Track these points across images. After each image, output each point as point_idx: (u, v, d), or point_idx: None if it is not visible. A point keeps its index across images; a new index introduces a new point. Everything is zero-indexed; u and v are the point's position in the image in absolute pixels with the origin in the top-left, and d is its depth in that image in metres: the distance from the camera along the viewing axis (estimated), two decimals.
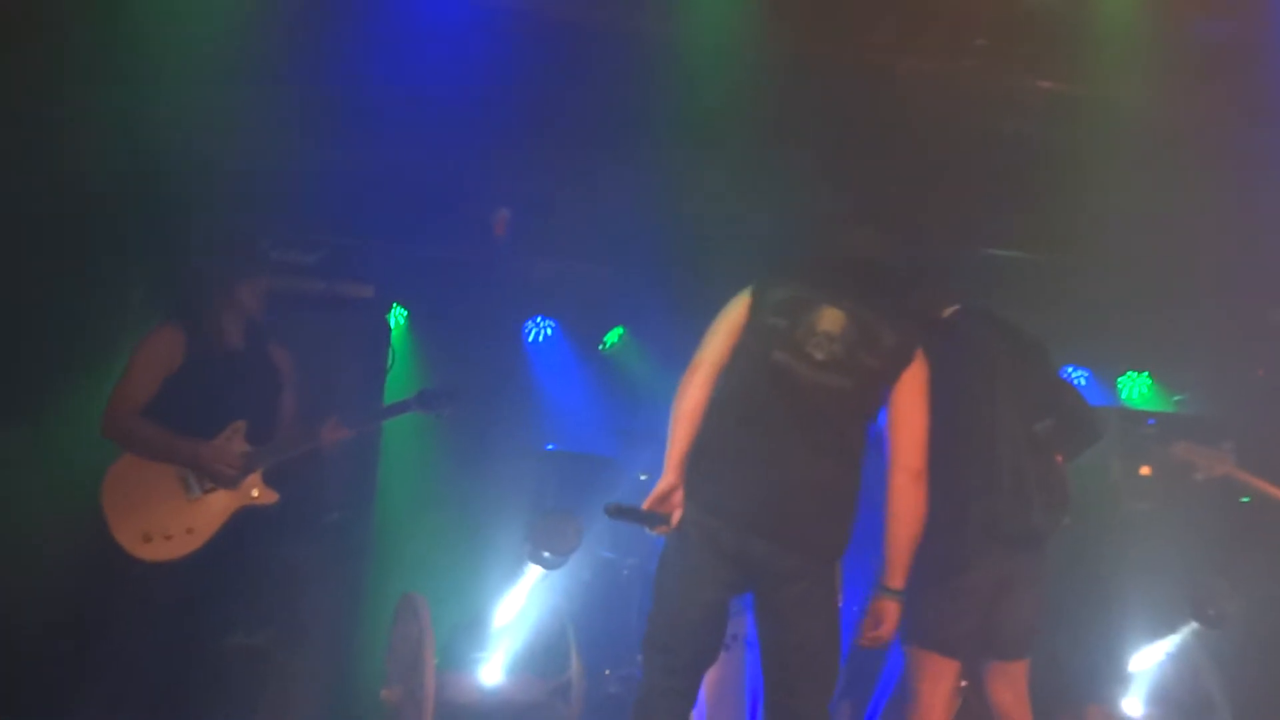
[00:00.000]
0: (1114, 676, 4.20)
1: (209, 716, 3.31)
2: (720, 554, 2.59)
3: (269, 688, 3.71)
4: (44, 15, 3.42)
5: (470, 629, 3.92)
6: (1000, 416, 2.99)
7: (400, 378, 4.31)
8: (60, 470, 3.49)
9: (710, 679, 3.66)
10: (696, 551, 2.61)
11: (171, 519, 3.18)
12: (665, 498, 2.63)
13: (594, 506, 4.08)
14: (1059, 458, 3.08)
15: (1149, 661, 4.32)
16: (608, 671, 4.16)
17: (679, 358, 5.45)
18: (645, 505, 2.64)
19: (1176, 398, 5.57)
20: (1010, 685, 3.09)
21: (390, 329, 4.40)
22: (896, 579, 2.67)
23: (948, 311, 3.17)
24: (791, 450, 2.59)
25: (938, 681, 2.96)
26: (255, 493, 3.30)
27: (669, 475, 2.64)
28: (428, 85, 3.89)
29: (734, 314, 2.74)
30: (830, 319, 2.65)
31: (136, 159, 3.80)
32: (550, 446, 4.65)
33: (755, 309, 2.72)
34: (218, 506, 3.25)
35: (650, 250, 4.80)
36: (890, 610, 2.66)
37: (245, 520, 3.29)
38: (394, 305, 4.63)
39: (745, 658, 3.71)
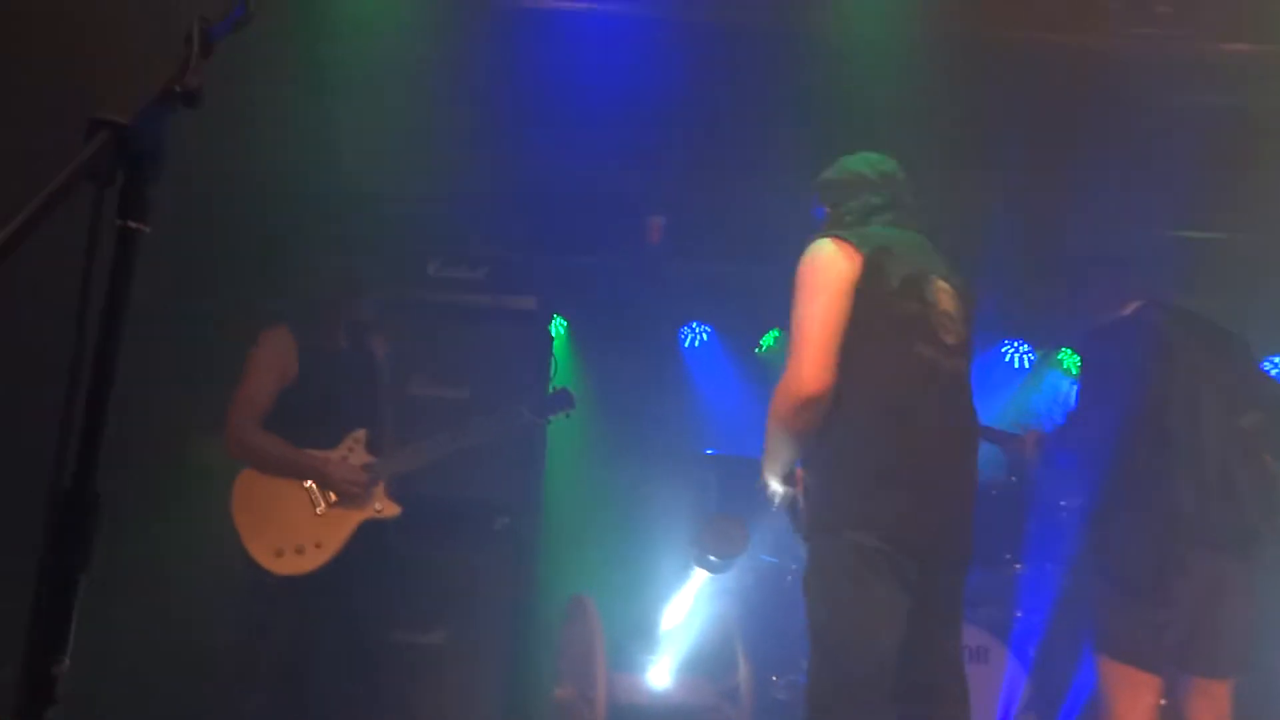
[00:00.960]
0: None
1: (385, 715, 3.39)
2: (906, 588, 2.25)
3: (445, 686, 3.83)
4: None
5: (638, 632, 3.97)
6: (1204, 413, 2.79)
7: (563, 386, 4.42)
8: (202, 480, 3.55)
9: None
10: (883, 586, 2.24)
11: (302, 533, 3.18)
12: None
13: (757, 510, 4.08)
14: (1267, 457, 2.85)
15: None
16: (775, 678, 4.12)
17: None
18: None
19: None
20: (1212, 707, 2.85)
21: (552, 339, 4.52)
22: None
23: (1130, 308, 2.99)
24: (959, 463, 2.33)
25: (1136, 698, 2.78)
26: (379, 506, 3.26)
27: (787, 485, 2.46)
28: (579, 96, 3.97)
29: (847, 303, 2.28)
30: (945, 296, 2.36)
31: (323, 187, 4.00)
32: (710, 451, 4.66)
33: (873, 285, 2.28)
34: (343, 521, 3.22)
35: (803, 250, 4.72)
36: None
37: (387, 525, 3.27)
38: (554, 316, 4.76)
39: (1004, 671, 3.57)
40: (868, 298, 2.28)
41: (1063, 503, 3.98)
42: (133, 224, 1.13)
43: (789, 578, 4.18)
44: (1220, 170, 4.08)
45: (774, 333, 5.45)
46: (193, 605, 3.64)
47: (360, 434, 3.32)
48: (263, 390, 3.26)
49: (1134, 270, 3.16)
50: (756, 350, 5.48)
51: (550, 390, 3.75)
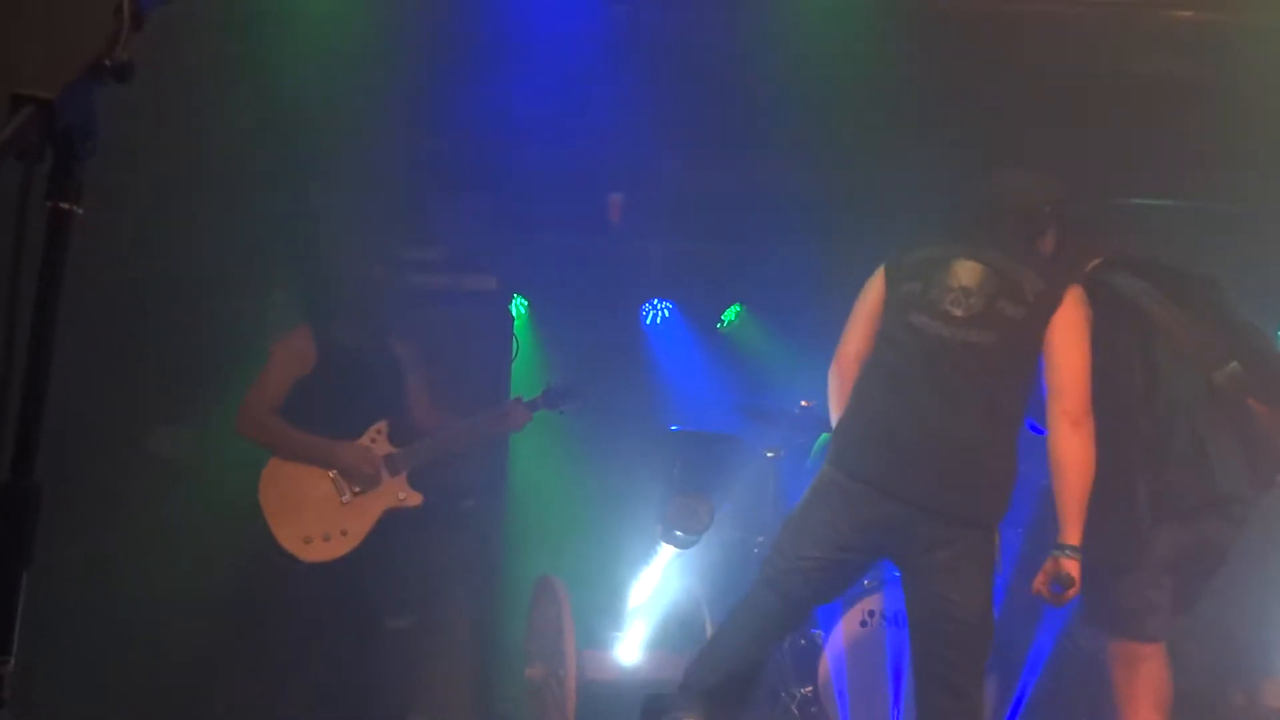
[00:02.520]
0: (1269, 665, 3.93)
1: (367, 699, 3.44)
2: (854, 518, 2.58)
3: (417, 670, 3.85)
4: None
5: (606, 609, 3.98)
6: (1161, 375, 2.69)
7: (524, 366, 4.40)
8: (218, 470, 3.62)
9: (849, 659, 3.63)
10: (829, 510, 2.63)
11: (329, 521, 3.29)
12: None
13: (721, 485, 4.10)
14: (1251, 401, 2.70)
15: None
16: None
17: (798, 331, 5.36)
18: None
19: None
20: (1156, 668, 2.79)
21: (513, 319, 4.49)
22: (1073, 535, 2.48)
23: (1089, 265, 2.88)
24: (931, 412, 2.52)
25: (1138, 669, 2.74)
26: (401, 495, 3.38)
27: None
28: (536, 74, 3.92)
29: (871, 297, 2.77)
30: (967, 273, 2.59)
31: (282, 158, 3.95)
32: (675, 427, 4.66)
33: (891, 282, 2.73)
34: (368, 509, 3.34)
35: (763, 225, 4.73)
36: (1074, 569, 2.48)
37: (395, 515, 3.38)
38: (515, 295, 4.73)
39: (886, 635, 3.64)
40: (888, 291, 2.73)
41: (1021, 468, 4.03)
42: (64, 205, 1.08)
43: (755, 551, 4.21)
44: (1167, 137, 4.13)
45: (735, 308, 5.46)
46: (150, 599, 3.61)
47: (382, 425, 3.42)
48: (277, 380, 3.38)
49: (1095, 232, 3.12)
50: (718, 326, 5.48)
51: (559, 381, 3.83)
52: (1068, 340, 2.53)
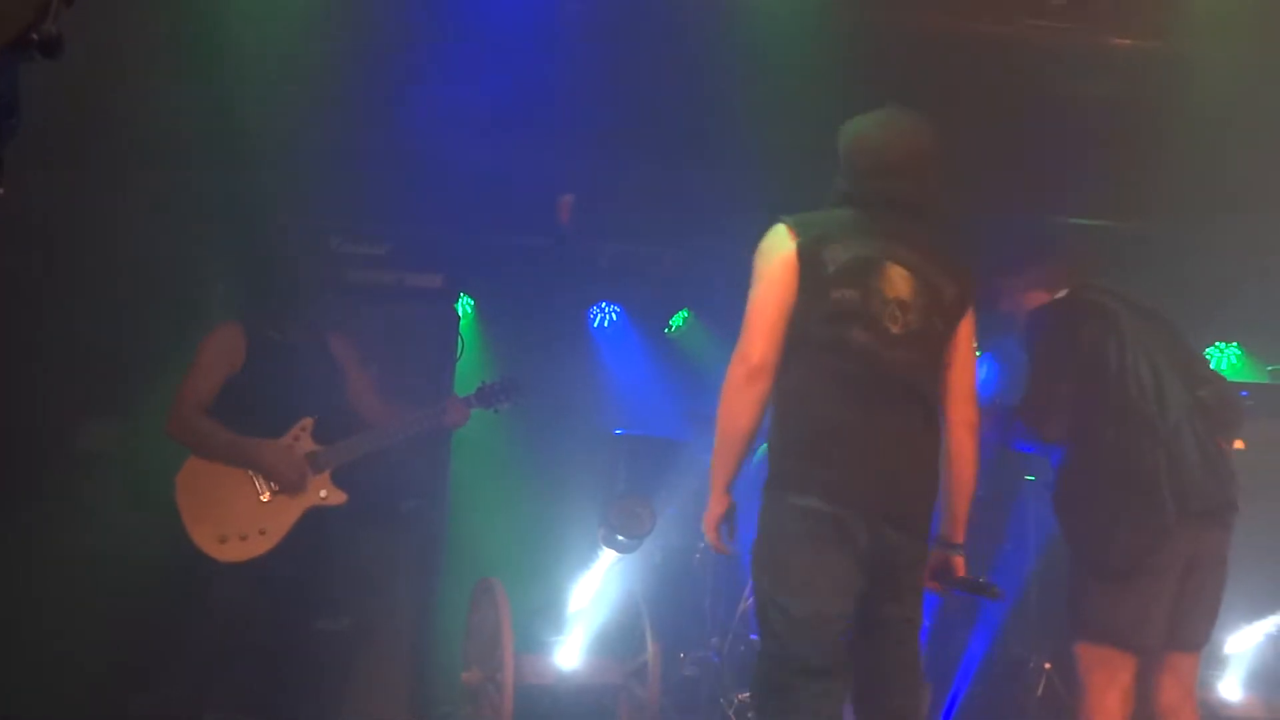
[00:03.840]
0: (1209, 659, 4.05)
1: (297, 702, 3.37)
2: (855, 551, 2.25)
3: (352, 672, 3.78)
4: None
5: (546, 613, 3.95)
6: (1166, 386, 2.75)
7: (469, 366, 4.35)
8: (146, 465, 3.55)
9: None
10: (831, 547, 2.24)
11: (245, 520, 3.20)
12: (722, 520, 2.38)
13: (664, 490, 4.10)
14: (1218, 439, 2.81)
15: (1247, 644, 4.16)
16: (683, 655, 4.17)
17: None
18: (707, 533, 2.40)
19: (1270, 368, 5.33)
20: (1179, 681, 2.81)
21: (459, 318, 4.45)
22: (961, 533, 2.46)
23: (1063, 290, 2.96)
24: (902, 431, 2.32)
25: (1112, 679, 2.72)
26: (323, 493, 3.30)
27: (722, 499, 2.38)
28: (486, 73, 3.89)
29: (783, 290, 2.34)
30: (899, 283, 2.33)
31: (223, 153, 3.87)
32: (619, 431, 4.65)
33: (810, 273, 2.33)
34: (288, 507, 3.25)
35: (713, 230, 4.75)
36: (960, 563, 2.46)
37: (321, 514, 3.30)
38: (461, 294, 4.68)
39: None
40: (806, 283, 2.36)
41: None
42: None
43: (697, 556, 4.22)
44: (1108, 160, 4.25)
45: (684, 313, 5.47)
46: (74, 599, 3.50)
47: (307, 423, 3.34)
48: (207, 378, 3.31)
49: (1048, 256, 3.13)
50: (666, 330, 5.48)
51: (496, 379, 3.71)
52: (969, 350, 2.48)
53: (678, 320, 5.49)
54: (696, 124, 4.13)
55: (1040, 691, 3.91)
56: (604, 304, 5.43)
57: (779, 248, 2.39)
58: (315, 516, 3.29)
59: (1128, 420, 2.74)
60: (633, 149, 4.36)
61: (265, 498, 3.25)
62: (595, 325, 5.46)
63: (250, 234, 3.76)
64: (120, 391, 3.89)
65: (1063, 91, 3.98)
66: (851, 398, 2.32)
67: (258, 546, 3.20)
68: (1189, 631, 2.79)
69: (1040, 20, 3.71)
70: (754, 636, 3.70)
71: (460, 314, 4.52)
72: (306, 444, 3.32)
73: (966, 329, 2.47)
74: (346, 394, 3.51)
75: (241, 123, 3.82)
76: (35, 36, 1.04)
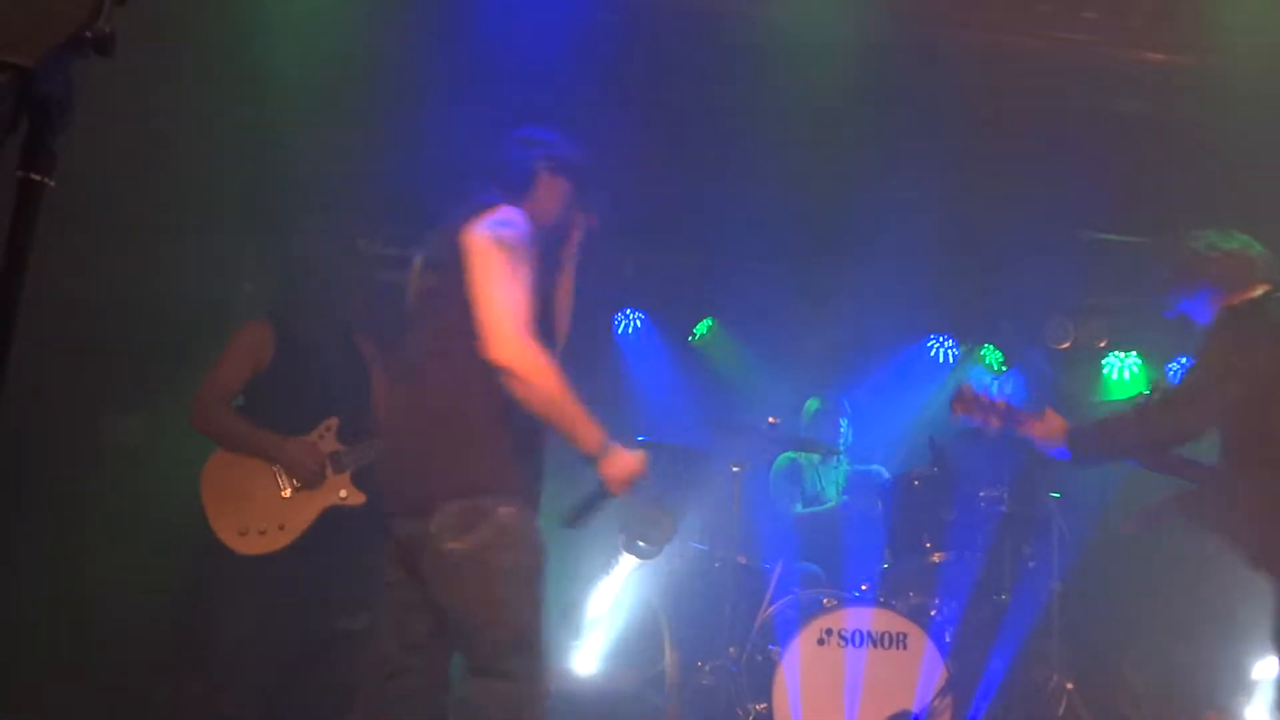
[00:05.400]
0: (1236, 685, 4.00)
1: (315, 699, 3.39)
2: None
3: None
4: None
5: (564, 617, 3.95)
6: None
7: None
8: (173, 458, 3.57)
9: (805, 676, 3.63)
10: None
11: (266, 515, 3.22)
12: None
13: (687, 498, 4.09)
14: None
15: (1275, 670, 4.10)
16: (701, 664, 4.15)
17: (769, 347, 5.36)
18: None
19: None
20: None
21: None
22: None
23: (1257, 290, 2.96)
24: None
25: None
26: (343, 493, 3.30)
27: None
28: (511, 74, 3.91)
29: None
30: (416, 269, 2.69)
31: (253, 160, 3.92)
32: (641, 438, 4.65)
33: None
34: (308, 504, 3.27)
35: (739, 241, 4.75)
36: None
37: (339, 514, 3.31)
38: None
39: (844, 654, 3.65)
40: None
41: (982, 494, 4.07)
42: (35, 176, 1.05)
43: (717, 564, 4.21)
44: (1136, 175, 4.22)
45: (708, 321, 5.47)
46: (106, 585, 3.54)
47: (332, 422, 3.35)
48: (233, 371, 3.33)
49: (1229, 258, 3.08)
50: (690, 339, 5.49)
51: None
52: None
53: (702, 329, 5.49)
54: (727, 137, 4.14)
55: (1061, 711, 3.87)
56: (629, 311, 5.44)
57: None
58: (334, 516, 3.30)
59: None
60: (658, 156, 4.37)
61: (286, 493, 3.27)
62: (619, 332, 5.47)
63: (279, 234, 3.80)
64: (153, 386, 3.92)
65: (1095, 106, 3.95)
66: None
67: (276, 541, 3.22)
68: None
69: (1074, 34, 3.69)
70: (772, 647, 3.69)
71: None
72: (330, 443, 3.34)
73: None
74: (372, 395, 3.53)
75: (272, 125, 3.87)
76: (89, 34, 1.07)
